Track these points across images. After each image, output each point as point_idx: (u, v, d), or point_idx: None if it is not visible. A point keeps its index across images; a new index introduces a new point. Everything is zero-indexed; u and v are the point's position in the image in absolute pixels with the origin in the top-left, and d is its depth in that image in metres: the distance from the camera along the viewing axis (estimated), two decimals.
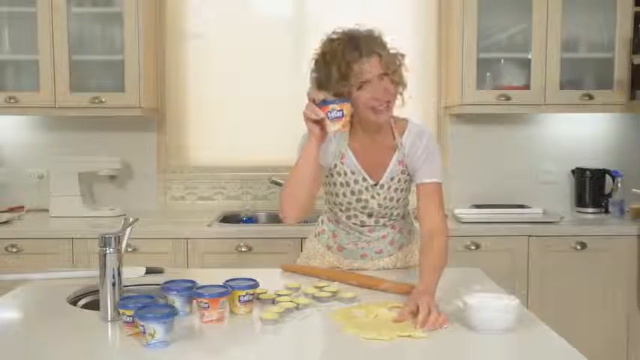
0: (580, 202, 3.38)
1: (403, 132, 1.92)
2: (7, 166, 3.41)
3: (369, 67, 1.75)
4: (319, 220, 2.13)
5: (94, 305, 1.67)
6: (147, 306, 1.40)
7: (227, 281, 1.60)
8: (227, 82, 3.43)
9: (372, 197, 1.93)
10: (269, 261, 2.65)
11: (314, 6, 3.42)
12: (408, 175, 1.94)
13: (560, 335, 1.43)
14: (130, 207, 3.30)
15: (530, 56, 3.13)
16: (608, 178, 3.32)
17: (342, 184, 1.93)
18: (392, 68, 1.78)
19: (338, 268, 2.02)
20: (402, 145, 1.91)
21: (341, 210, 1.98)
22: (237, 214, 3.33)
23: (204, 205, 3.44)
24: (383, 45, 1.79)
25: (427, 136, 1.92)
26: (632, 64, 3.10)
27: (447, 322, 1.48)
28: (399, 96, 1.84)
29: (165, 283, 1.61)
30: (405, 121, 1.95)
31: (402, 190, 1.95)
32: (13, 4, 3.17)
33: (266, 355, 1.38)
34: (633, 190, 3.12)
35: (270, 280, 1.82)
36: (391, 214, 1.99)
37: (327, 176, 1.96)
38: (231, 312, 1.57)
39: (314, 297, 1.70)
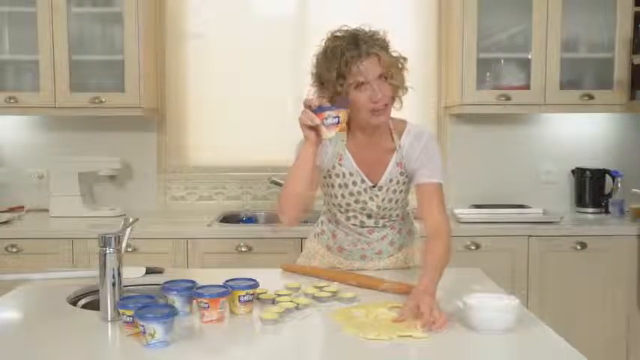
0: (580, 202, 3.38)
1: (402, 133, 1.92)
2: (7, 166, 3.41)
3: (368, 68, 1.75)
4: (319, 220, 2.13)
5: (94, 305, 1.67)
6: (147, 306, 1.40)
7: (227, 281, 1.60)
8: (227, 82, 3.43)
9: (371, 199, 1.93)
10: (269, 261, 2.65)
11: (315, 6, 3.42)
12: (407, 176, 1.93)
13: (560, 335, 1.43)
14: (130, 207, 3.30)
15: (530, 56, 3.12)
16: (608, 178, 3.32)
17: (340, 186, 1.93)
18: (391, 71, 1.77)
19: (338, 268, 2.02)
20: (400, 146, 1.91)
21: (340, 211, 1.98)
22: (237, 214, 3.33)
23: (204, 205, 3.44)
24: (384, 47, 1.79)
25: (426, 137, 1.91)
26: (632, 64, 3.10)
27: (446, 322, 1.47)
28: (397, 99, 1.85)
29: (166, 283, 1.61)
30: (404, 122, 1.95)
31: (400, 192, 1.95)
32: (13, 4, 3.17)
33: (266, 355, 1.38)
34: (633, 190, 3.12)
35: (270, 280, 1.82)
36: (390, 215, 1.98)
37: (325, 177, 1.95)
38: (231, 312, 1.57)
39: (314, 297, 1.70)
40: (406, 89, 1.84)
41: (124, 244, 1.60)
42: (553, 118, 3.44)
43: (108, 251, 1.55)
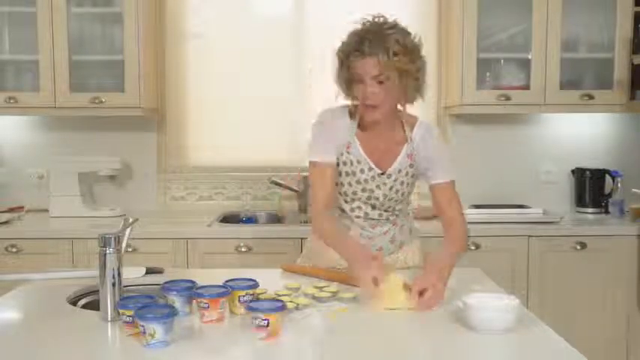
0: (580, 202, 3.38)
1: (413, 126, 1.97)
2: (7, 166, 3.41)
3: (365, 67, 1.80)
4: None
5: (94, 305, 1.67)
6: (147, 306, 1.40)
7: (227, 281, 1.60)
8: (227, 82, 3.43)
9: (378, 187, 1.94)
10: (269, 261, 2.65)
11: (314, 6, 3.42)
12: (416, 170, 1.97)
13: (560, 335, 1.43)
14: (130, 207, 3.30)
15: (530, 56, 3.12)
16: (608, 178, 3.32)
17: (347, 174, 1.95)
18: (388, 74, 1.79)
19: (339, 268, 2.02)
20: (411, 139, 1.95)
21: (345, 201, 1.99)
22: (237, 214, 3.33)
23: (204, 205, 3.43)
24: (389, 48, 1.77)
25: (437, 133, 1.99)
26: (632, 64, 3.10)
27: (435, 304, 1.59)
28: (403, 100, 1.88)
29: (165, 283, 1.60)
30: (415, 117, 2.00)
31: (407, 185, 1.98)
32: (13, 4, 3.17)
33: (266, 355, 1.37)
34: (633, 190, 3.12)
35: (270, 280, 1.82)
36: (394, 209, 2.00)
37: None
38: (231, 312, 1.57)
39: (314, 297, 1.70)
40: (411, 95, 1.86)
41: (124, 244, 1.60)
42: (553, 118, 3.44)
43: (108, 251, 1.55)
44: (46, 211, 3.20)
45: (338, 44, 1.87)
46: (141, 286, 1.86)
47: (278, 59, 3.42)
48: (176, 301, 1.54)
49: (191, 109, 3.46)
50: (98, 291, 1.58)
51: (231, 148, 3.46)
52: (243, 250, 2.86)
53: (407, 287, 1.65)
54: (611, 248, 2.93)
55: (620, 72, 3.12)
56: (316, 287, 1.76)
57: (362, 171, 1.94)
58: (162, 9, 3.39)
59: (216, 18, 3.43)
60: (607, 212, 3.28)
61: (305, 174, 3.31)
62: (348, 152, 1.94)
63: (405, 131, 1.96)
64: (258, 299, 1.56)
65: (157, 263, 2.09)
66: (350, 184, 1.95)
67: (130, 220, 1.66)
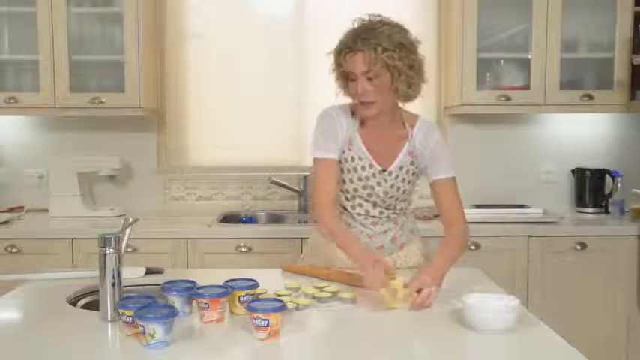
0: (580, 202, 3.37)
1: (414, 124, 1.98)
2: (7, 166, 3.41)
3: (354, 63, 1.82)
4: None
5: (94, 305, 1.67)
6: (147, 306, 1.40)
7: (227, 281, 1.60)
8: (227, 82, 3.43)
9: (379, 184, 1.95)
10: (269, 261, 2.65)
11: (314, 6, 3.42)
12: (417, 167, 1.98)
13: (560, 335, 1.43)
14: (130, 207, 3.30)
15: (530, 56, 3.12)
16: (608, 178, 3.32)
17: (348, 170, 1.96)
18: (376, 70, 1.80)
19: (338, 266, 2.02)
20: (412, 137, 1.96)
21: (346, 198, 2.00)
22: (237, 214, 3.33)
23: (204, 205, 3.43)
24: (379, 44, 1.79)
25: (437, 131, 2.00)
26: (632, 64, 3.10)
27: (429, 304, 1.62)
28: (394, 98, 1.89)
29: (165, 283, 1.60)
30: (416, 116, 2.02)
31: (408, 182, 1.99)
32: (13, 4, 3.17)
33: (266, 355, 1.38)
34: (633, 190, 3.12)
35: (270, 280, 1.82)
36: (395, 207, 2.01)
37: None
38: (231, 312, 1.57)
39: (314, 297, 1.70)
40: (408, 93, 1.87)
41: (123, 244, 1.60)
42: (553, 118, 3.44)
43: (108, 251, 1.55)
44: (46, 211, 3.20)
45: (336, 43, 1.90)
46: (141, 286, 1.86)
47: (278, 59, 3.42)
48: (176, 301, 1.54)
49: (191, 109, 3.46)
50: (98, 291, 1.58)
51: (231, 148, 3.46)
52: (243, 250, 2.86)
53: (406, 287, 1.66)
54: (611, 248, 2.93)
55: (620, 72, 3.12)
56: (316, 287, 1.76)
57: (363, 168, 1.95)
58: (163, 9, 3.39)
59: (216, 18, 3.43)
60: (607, 212, 3.28)
61: (305, 174, 3.32)
62: (349, 149, 1.96)
63: (406, 129, 1.98)
64: (258, 299, 1.55)
65: (157, 263, 2.09)
66: (351, 181, 1.96)
67: (130, 220, 1.66)
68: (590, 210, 3.32)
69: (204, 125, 3.46)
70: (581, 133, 3.46)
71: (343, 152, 1.96)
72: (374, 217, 2.00)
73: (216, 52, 3.44)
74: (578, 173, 3.39)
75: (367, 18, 1.86)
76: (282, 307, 1.41)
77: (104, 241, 1.56)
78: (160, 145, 3.45)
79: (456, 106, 3.21)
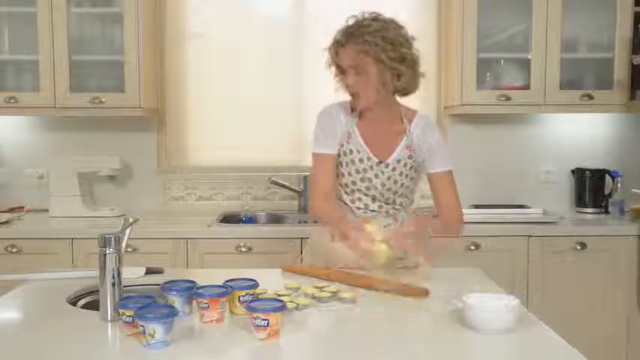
0: (580, 202, 3.37)
1: (412, 119, 2.01)
2: (7, 166, 3.41)
3: (343, 57, 1.89)
4: None
5: (94, 305, 1.67)
6: (147, 306, 1.40)
7: (227, 281, 1.60)
8: (227, 82, 3.43)
9: (376, 176, 1.97)
10: (269, 261, 2.65)
11: (314, 6, 3.42)
12: (414, 161, 2.00)
13: (560, 335, 1.43)
14: (130, 207, 3.30)
15: (530, 56, 3.12)
16: (608, 178, 3.32)
17: (347, 164, 1.99)
18: (358, 64, 1.86)
19: (340, 268, 2.02)
20: (410, 131, 1.99)
21: (346, 192, 2.03)
22: (237, 214, 3.33)
23: (204, 205, 3.43)
24: (365, 39, 1.83)
25: (435, 126, 2.04)
26: (632, 64, 3.10)
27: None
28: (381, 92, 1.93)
29: (165, 283, 1.60)
30: (415, 111, 2.05)
31: (406, 176, 2.00)
32: (13, 4, 3.17)
33: (266, 355, 1.37)
34: (633, 190, 3.12)
35: (270, 280, 1.82)
36: (394, 202, 2.02)
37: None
38: (231, 312, 1.57)
39: (314, 297, 1.70)
40: (397, 87, 1.91)
41: (123, 244, 1.60)
42: (553, 118, 3.44)
43: (108, 251, 1.55)
44: (46, 211, 3.20)
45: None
46: (141, 286, 1.86)
47: (278, 59, 3.42)
48: (176, 301, 1.54)
49: (191, 109, 3.46)
50: (98, 291, 1.58)
51: (231, 148, 3.46)
52: (243, 250, 2.86)
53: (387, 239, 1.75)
54: (611, 248, 2.93)
55: (620, 72, 3.12)
56: (316, 287, 1.75)
57: (361, 160, 1.98)
58: (163, 9, 3.39)
59: (216, 18, 3.43)
60: (607, 212, 3.28)
61: (305, 174, 3.32)
62: (348, 142, 1.99)
63: (404, 124, 2.00)
64: (258, 299, 1.55)
65: (157, 263, 2.09)
66: (350, 174, 1.99)
67: (130, 220, 1.66)
68: (590, 210, 3.32)
69: (204, 125, 3.46)
70: (581, 133, 3.46)
71: (342, 145, 1.99)
72: (373, 211, 2.02)
73: (216, 52, 3.44)
74: (578, 173, 3.39)
75: (362, 16, 1.90)
76: (282, 307, 1.41)
77: (104, 241, 1.56)
78: (160, 145, 3.45)
79: (456, 106, 3.21)
